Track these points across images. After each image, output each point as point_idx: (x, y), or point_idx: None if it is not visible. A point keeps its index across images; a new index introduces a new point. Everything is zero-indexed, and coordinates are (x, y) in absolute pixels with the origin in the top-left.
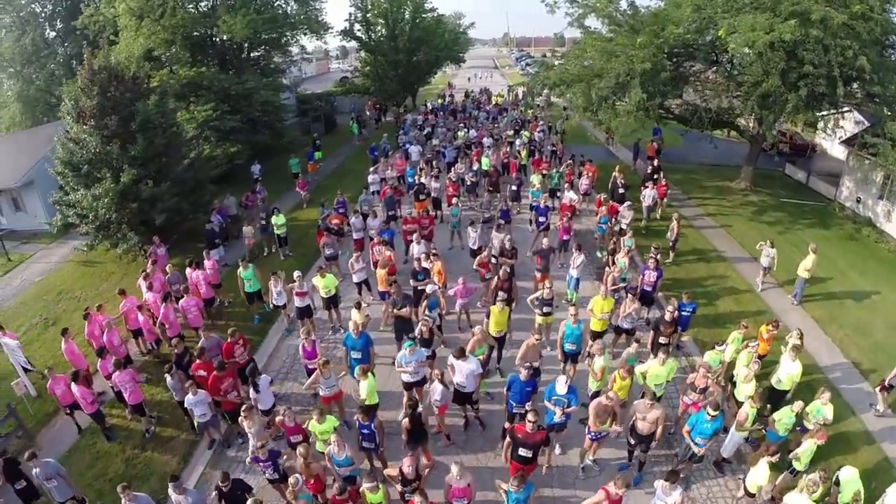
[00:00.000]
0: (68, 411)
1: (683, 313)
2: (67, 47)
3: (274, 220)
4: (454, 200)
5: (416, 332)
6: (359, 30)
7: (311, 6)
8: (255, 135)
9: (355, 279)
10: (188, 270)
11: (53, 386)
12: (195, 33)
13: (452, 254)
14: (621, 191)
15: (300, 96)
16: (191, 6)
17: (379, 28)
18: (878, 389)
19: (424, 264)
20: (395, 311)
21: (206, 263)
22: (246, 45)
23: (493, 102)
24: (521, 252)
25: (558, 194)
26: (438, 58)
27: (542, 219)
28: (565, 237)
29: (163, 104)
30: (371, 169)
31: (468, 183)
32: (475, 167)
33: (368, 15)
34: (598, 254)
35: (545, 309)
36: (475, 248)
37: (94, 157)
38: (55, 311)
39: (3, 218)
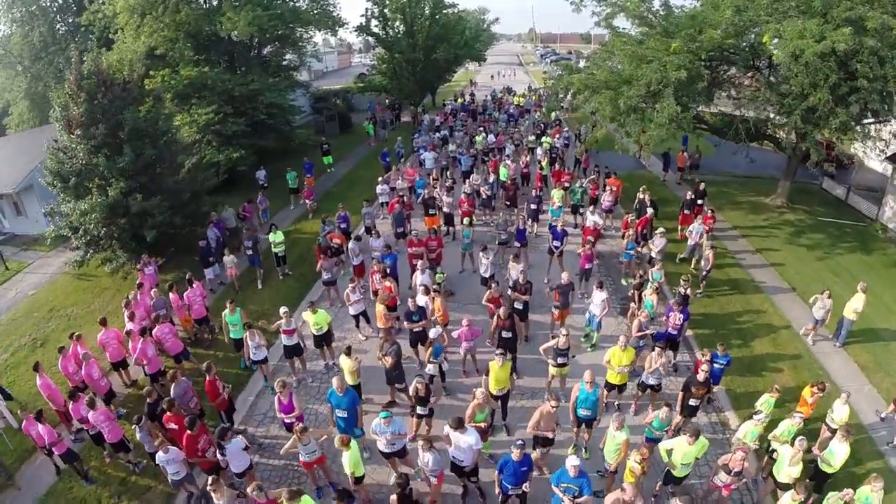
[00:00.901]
0: (46, 451)
1: (716, 366)
2: (78, 42)
3: (271, 237)
4: (466, 220)
5: (411, 389)
6: (376, 25)
7: (324, 0)
8: (261, 139)
9: (352, 311)
10: (171, 296)
11: (28, 426)
12: (201, 31)
13: (463, 278)
14: (650, 209)
15: (316, 94)
16: (194, 3)
17: (397, 24)
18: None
19: (420, 302)
20: (381, 357)
21: (195, 286)
22: (255, 42)
23: (515, 103)
24: (538, 278)
25: (581, 211)
26: (458, 56)
27: (556, 243)
28: (587, 265)
29: (156, 110)
30: (380, 179)
31: (483, 196)
32: (492, 178)
33: (385, 10)
34: (624, 281)
35: (560, 360)
36: (487, 276)
37: (82, 169)
38: (45, 330)
39: (6, 222)
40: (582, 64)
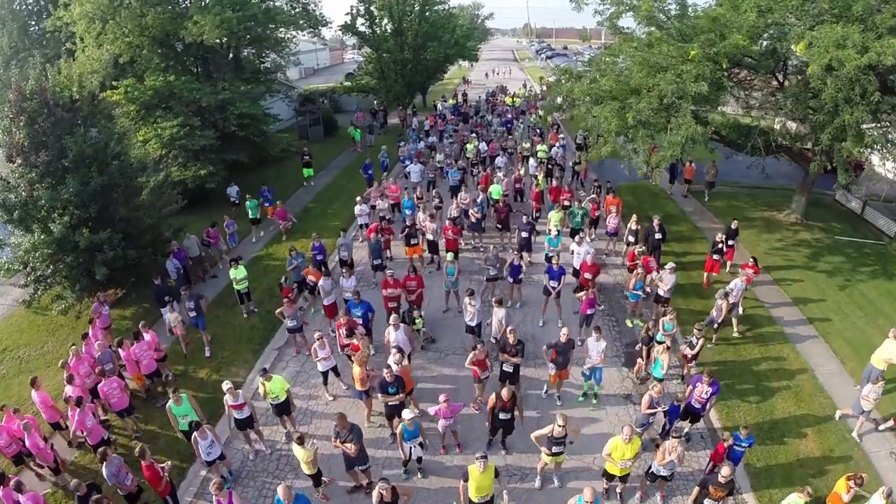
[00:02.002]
0: None
1: (738, 448)
2: (49, 48)
3: (232, 273)
4: (449, 257)
5: (374, 496)
6: (362, 24)
7: None
8: (232, 152)
9: (320, 368)
10: (121, 351)
11: None
12: (168, 36)
13: (447, 320)
14: (658, 236)
15: (303, 95)
16: (159, 7)
17: (384, 22)
18: None
19: (395, 366)
20: (338, 444)
21: (146, 338)
22: (229, 46)
23: (509, 103)
24: (532, 321)
25: (581, 235)
26: (449, 55)
27: (553, 283)
28: (589, 311)
29: (108, 130)
30: (359, 198)
31: (473, 220)
32: (482, 197)
33: (372, 7)
34: (629, 323)
35: (554, 449)
36: (473, 324)
37: (26, 201)
38: None
39: None
40: (580, 65)
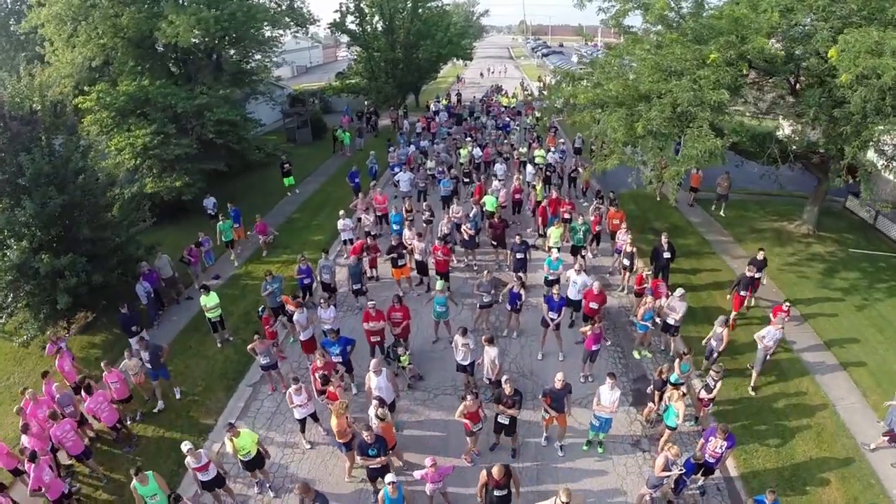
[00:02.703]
0: None
1: None
2: (28, 50)
3: (203, 300)
4: (439, 285)
5: None
6: (352, 22)
7: None
8: (209, 161)
9: (296, 415)
10: (83, 395)
11: None
12: (145, 37)
13: (436, 353)
14: (666, 255)
15: (292, 95)
16: (134, 6)
17: (375, 20)
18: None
19: (376, 423)
20: None
21: (107, 378)
22: (211, 46)
23: (505, 104)
24: (530, 352)
25: (582, 254)
26: (442, 54)
27: (553, 315)
28: (594, 347)
29: (70, 144)
30: (342, 213)
31: (465, 236)
32: (475, 210)
33: (363, 5)
34: (637, 355)
35: None
36: (465, 363)
37: None
38: None
39: None
40: (576, 65)
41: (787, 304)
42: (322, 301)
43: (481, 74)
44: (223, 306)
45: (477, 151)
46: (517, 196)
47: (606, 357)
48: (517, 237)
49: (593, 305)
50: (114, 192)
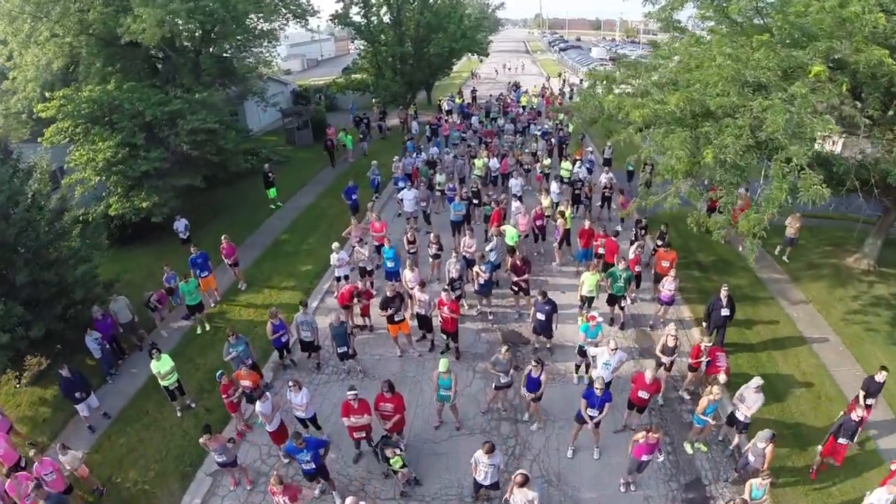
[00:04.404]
0: None
1: None
2: None
3: (154, 367)
4: (443, 366)
5: None
6: (357, 13)
7: None
8: (184, 176)
9: None
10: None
11: None
12: (116, 34)
13: (438, 443)
14: (725, 312)
15: (296, 92)
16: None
17: (382, 11)
18: None
19: None
20: None
21: (38, 471)
22: (194, 44)
23: (523, 104)
24: (557, 442)
25: (622, 305)
26: (455, 49)
27: (593, 413)
28: (645, 457)
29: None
30: (335, 246)
31: (481, 281)
32: (493, 244)
33: None
34: (689, 448)
35: None
36: (484, 483)
37: None
38: None
39: None
40: (604, 62)
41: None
42: (292, 384)
43: (496, 71)
44: (188, 357)
45: (494, 163)
46: (539, 222)
47: None
48: (540, 294)
49: (643, 395)
50: (63, 222)
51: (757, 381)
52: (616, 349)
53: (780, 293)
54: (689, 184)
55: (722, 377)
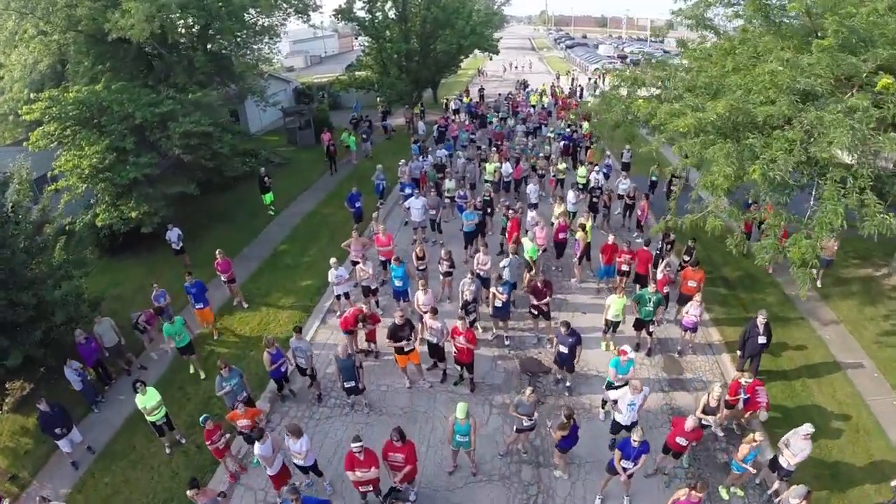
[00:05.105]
0: None
1: None
2: None
3: (139, 402)
4: (461, 410)
5: None
6: (361, 8)
7: None
8: (176, 183)
9: None
10: None
11: None
12: (104, 30)
13: (453, 490)
14: (762, 340)
15: (299, 90)
16: None
17: (387, 7)
18: None
19: None
20: None
21: None
22: (190, 39)
23: (533, 102)
24: (585, 490)
25: (650, 331)
26: (463, 46)
27: (627, 465)
28: None
29: None
30: (333, 261)
31: (498, 303)
32: (509, 261)
33: None
34: (725, 494)
35: None
36: None
37: None
38: None
39: None
40: (648, 71)
41: None
42: (290, 431)
43: (503, 69)
44: (179, 384)
45: (507, 168)
46: (561, 236)
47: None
48: (563, 325)
49: (681, 442)
50: (45, 235)
51: (807, 428)
52: (641, 389)
53: (809, 312)
54: (726, 202)
55: (763, 414)
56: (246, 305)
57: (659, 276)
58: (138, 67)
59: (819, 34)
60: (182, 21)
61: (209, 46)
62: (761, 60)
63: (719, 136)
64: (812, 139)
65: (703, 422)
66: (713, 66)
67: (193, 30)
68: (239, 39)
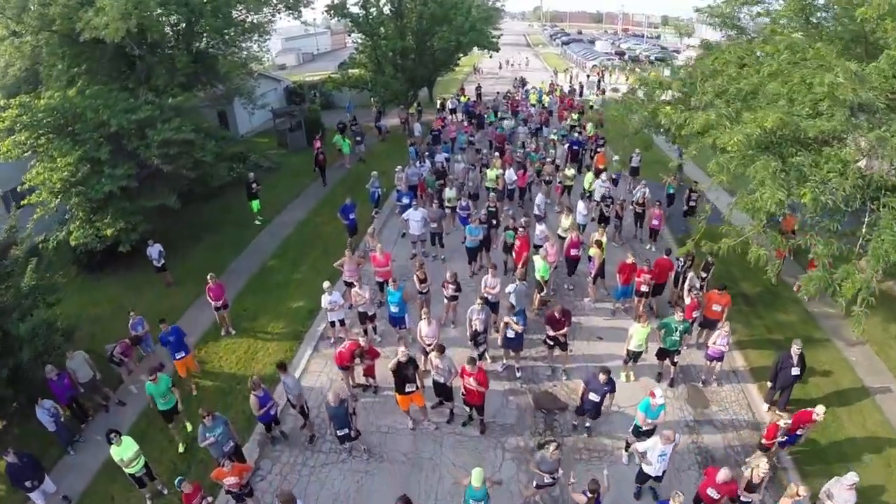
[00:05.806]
0: None
1: None
2: None
3: (115, 454)
4: (477, 481)
5: None
6: (354, 3)
7: None
8: (156, 196)
9: None
10: None
11: None
12: (76, 30)
13: None
14: (795, 372)
15: (290, 89)
16: None
17: (382, 2)
18: None
19: None
20: None
21: None
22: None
23: (534, 101)
24: None
25: (675, 359)
26: (462, 43)
27: None
28: None
29: None
30: (326, 284)
31: (511, 334)
32: (514, 287)
33: None
34: None
35: None
36: None
37: None
38: None
39: None
40: (672, 73)
41: None
42: (283, 500)
43: (500, 66)
44: (161, 425)
45: (511, 175)
46: (574, 252)
47: None
48: (602, 371)
49: (713, 495)
50: (12, 257)
51: (852, 477)
52: (673, 439)
53: (833, 332)
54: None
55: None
56: (233, 332)
57: (687, 300)
58: (117, 69)
59: (870, 41)
60: (164, 19)
61: (196, 45)
62: (801, 66)
63: (759, 150)
64: (867, 159)
65: (743, 498)
66: (750, 69)
67: (178, 28)
68: (226, 38)
